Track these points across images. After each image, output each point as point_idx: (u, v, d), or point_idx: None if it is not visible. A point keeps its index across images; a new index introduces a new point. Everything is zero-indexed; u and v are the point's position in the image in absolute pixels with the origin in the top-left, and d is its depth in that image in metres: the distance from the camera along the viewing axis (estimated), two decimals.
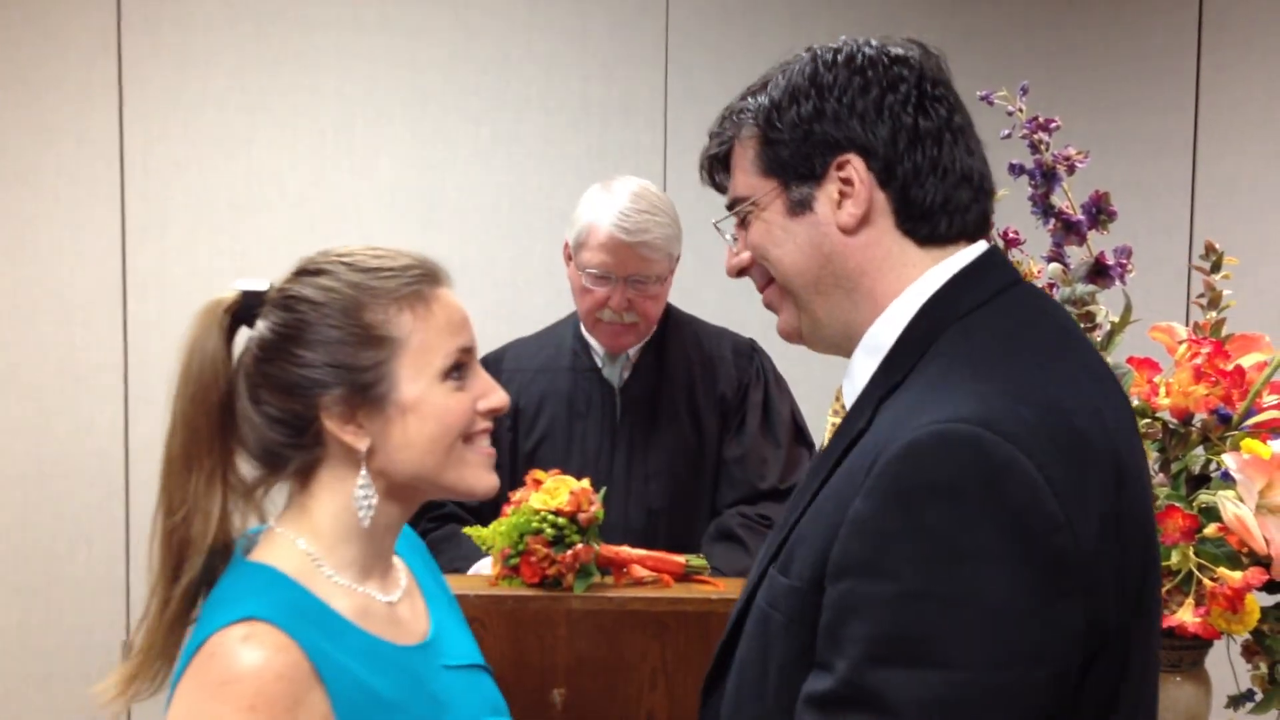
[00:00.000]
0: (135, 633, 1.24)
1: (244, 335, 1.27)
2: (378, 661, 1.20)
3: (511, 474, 2.30)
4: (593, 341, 2.38)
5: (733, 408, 2.36)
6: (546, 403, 2.35)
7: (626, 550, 1.95)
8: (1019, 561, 0.91)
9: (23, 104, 3.17)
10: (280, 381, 1.21)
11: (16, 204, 3.18)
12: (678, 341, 2.41)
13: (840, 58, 1.13)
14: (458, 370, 1.26)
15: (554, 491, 1.89)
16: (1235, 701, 1.61)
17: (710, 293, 3.19)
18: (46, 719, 3.18)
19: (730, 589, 1.91)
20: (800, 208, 1.13)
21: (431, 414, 1.22)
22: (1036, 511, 0.91)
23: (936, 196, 1.09)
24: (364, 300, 1.22)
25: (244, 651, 1.10)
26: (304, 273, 1.26)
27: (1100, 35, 3.44)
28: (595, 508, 1.89)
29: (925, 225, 1.10)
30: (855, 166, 1.10)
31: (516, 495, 1.94)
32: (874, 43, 1.14)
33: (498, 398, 1.29)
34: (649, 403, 2.35)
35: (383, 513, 1.26)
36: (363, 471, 1.22)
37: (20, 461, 3.19)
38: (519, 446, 2.34)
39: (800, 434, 2.40)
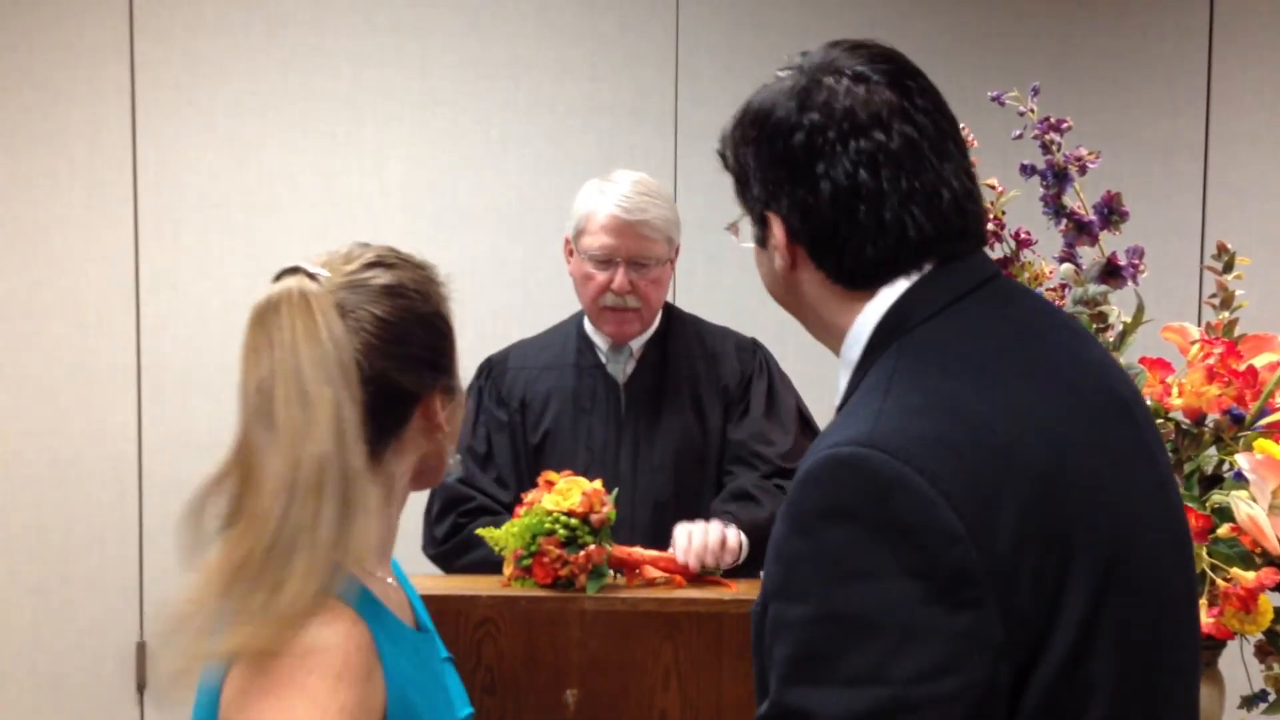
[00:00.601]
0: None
1: None
2: (405, 646, 1.22)
3: (522, 470, 2.32)
4: (596, 338, 2.39)
5: (735, 398, 2.38)
6: (552, 399, 2.37)
7: (639, 551, 1.96)
8: (916, 577, 0.92)
9: (36, 108, 3.19)
10: (406, 363, 1.22)
11: (30, 207, 3.19)
12: (680, 337, 2.43)
13: (756, 113, 1.12)
14: None
15: (566, 492, 1.90)
16: (1248, 702, 1.61)
17: (721, 293, 3.19)
18: (59, 719, 3.20)
19: (744, 590, 1.91)
20: (760, 242, 1.15)
21: (462, 407, 1.32)
22: (930, 527, 0.92)
23: (845, 257, 1.08)
24: (436, 296, 1.28)
25: (325, 624, 1.11)
26: (380, 265, 1.25)
27: (1111, 36, 3.43)
28: (607, 509, 1.89)
29: (846, 278, 1.10)
30: (774, 223, 1.11)
31: (529, 496, 1.95)
32: (801, 83, 1.09)
33: None
34: (653, 397, 2.37)
35: (405, 496, 1.31)
36: (450, 449, 1.30)
37: (34, 462, 3.20)
38: (527, 442, 2.36)
39: (807, 424, 2.41)
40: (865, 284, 1.09)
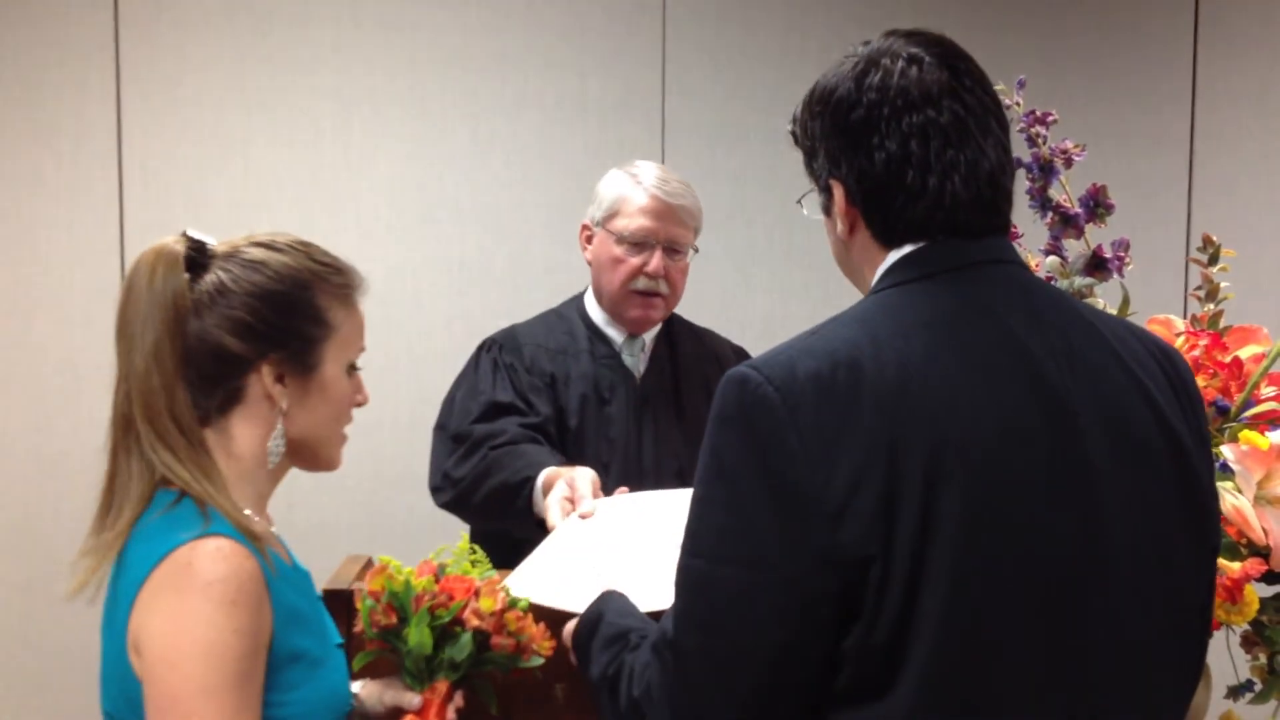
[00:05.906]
0: (92, 549, 1.46)
1: None
2: (287, 579, 1.38)
3: (560, 443, 2.23)
4: (608, 329, 2.35)
5: None
6: (572, 384, 2.29)
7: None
8: (760, 480, 1.09)
9: (20, 104, 3.17)
10: (238, 327, 1.38)
11: (15, 204, 3.18)
12: (682, 336, 2.41)
13: (821, 92, 1.26)
14: (353, 367, 1.49)
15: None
16: (1235, 692, 1.62)
17: (712, 290, 3.20)
18: (48, 715, 3.19)
19: None
20: (825, 211, 1.29)
21: (335, 395, 1.45)
22: (777, 442, 1.08)
23: (890, 215, 1.21)
24: (317, 286, 1.44)
25: (220, 558, 1.27)
26: (263, 245, 1.46)
27: (1097, 30, 3.44)
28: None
29: (885, 235, 1.23)
30: (838, 190, 1.25)
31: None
32: (860, 65, 1.23)
33: (364, 395, 1.52)
34: (669, 392, 2.33)
35: (262, 460, 1.43)
36: (279, 425, 1.42)
37: (22, 461, 3.19)
38: (566, 422, 2.26)
39: None
40: (894, 241, 1.22)
